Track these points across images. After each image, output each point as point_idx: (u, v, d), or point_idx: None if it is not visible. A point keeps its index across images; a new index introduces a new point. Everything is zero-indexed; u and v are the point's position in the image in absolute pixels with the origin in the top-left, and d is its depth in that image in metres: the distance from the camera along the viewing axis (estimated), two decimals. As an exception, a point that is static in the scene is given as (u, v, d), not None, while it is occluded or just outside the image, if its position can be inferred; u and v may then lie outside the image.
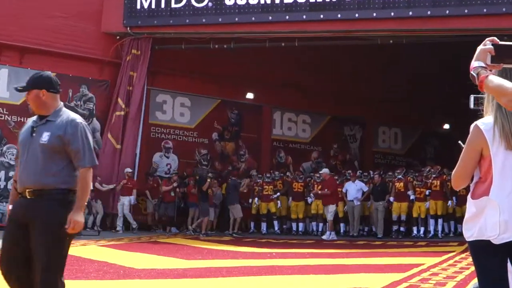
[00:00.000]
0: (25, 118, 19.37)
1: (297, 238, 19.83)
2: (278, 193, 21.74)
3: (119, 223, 19.78)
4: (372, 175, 21.48)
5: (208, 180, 20.20)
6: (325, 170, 20.72)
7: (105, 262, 12.09)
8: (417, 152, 29.92)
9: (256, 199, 21.42)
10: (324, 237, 19.74)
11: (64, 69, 20.50)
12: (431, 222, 20.03)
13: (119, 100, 20.88)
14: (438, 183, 19.80)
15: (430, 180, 19.99)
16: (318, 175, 21.20)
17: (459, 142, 4.03)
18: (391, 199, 20.29)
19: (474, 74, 3.60)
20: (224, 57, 22.26)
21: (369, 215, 21.24)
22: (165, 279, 10.23)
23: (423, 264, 12.10)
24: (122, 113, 20.85)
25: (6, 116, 19.77)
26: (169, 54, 22.10)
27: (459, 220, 19.99)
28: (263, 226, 21.41)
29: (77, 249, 14.55)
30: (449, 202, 19.77)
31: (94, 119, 21.14)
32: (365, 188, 20.80)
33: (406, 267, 11.69)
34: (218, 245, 16.15)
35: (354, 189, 20.64)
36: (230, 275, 10.75)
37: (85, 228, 18.28)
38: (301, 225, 21.70)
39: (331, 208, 19.87)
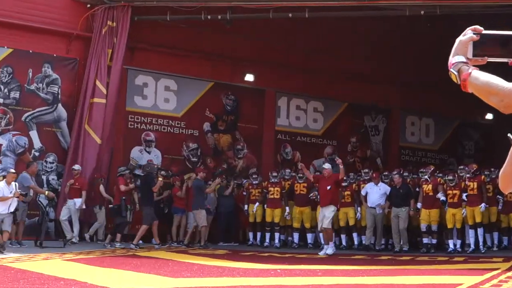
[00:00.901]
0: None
1: (307, 251, 19.81)
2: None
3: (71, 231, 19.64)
4: (391, 175, 21.06)
5: (160, 179, 19.66)
6: (327, 165, 19.80)
7: (73, 280, 12.08)
8: (453, 148, 30.00)
9: (257, 204, 21.27)
10: (321, 253, 18.78)
11: (23, 44, 20.63)
12: (470, 233, 19.52)
13: (98, 83, 20.84)
14: (475, 186, 19.26)
15: (466, 182, 19.40)
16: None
17: (509, 135, 4.03)
18: (419, 205, 19.79)
19: (454, 72, 3.46)
20: (219, 31, 22.25)
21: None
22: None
23: (460, 284, 12.11)
24: (103, 100, 20.87)
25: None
26: (151, 26, 22.12)
27: (505, 231, 19.99)
28: (267, 237, 21.42)
29: (39, 264, 14.59)
30: (482, 205, 18.94)
31: (59, 105, 21.13)
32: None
33: None
34: (210, 260, 16.12)
35: (377, 193, 20.34)
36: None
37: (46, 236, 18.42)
38: (309, 236, 21.40)
39: (329, 210, 18.74)
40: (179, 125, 23.62)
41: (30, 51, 20.76)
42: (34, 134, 20.65)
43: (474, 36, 3.39)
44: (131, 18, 21.43)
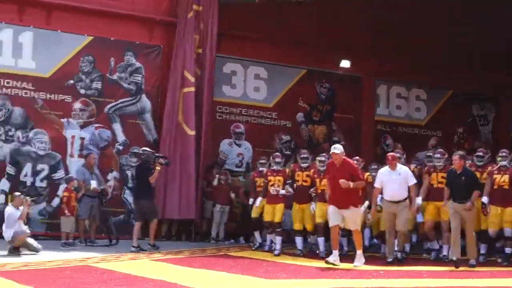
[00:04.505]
0: (56, 96, 19.89)
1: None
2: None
3: None
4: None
5: (158, 168, 18.23)
6: (337, 147, 15.57)
7: (162, 281, 12.26)
8: None
9: (260, 198, 18.41)
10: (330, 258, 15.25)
11: (104, 31, 20.98)
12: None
13: (186, 72, 21.06)
14: None
15: None
16: (321, 158, 17.89)
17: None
18: (485, 199, 16.18)
19: None
20: (311, 14, 22.22)
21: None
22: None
23: None
24: (192, 89, 21.03)
25: (32, 92, 20.24)
26: (239, 10, 22.11)
27: None
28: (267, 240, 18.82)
29: (125, 264, 14.82)
30: None
31: (143, 95, 21.42)
32: None
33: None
34: (303, 261, 16.09)
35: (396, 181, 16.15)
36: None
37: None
38: (320, 240, 17.67)
39: (357, 214, 15.62)
40: (270, 116, 23.72)
41: (111, 39, 21.08)
42: (117, 126, 20.99)
43: None
44: (218, 1, 21.49)
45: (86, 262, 15.18)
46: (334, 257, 15.13)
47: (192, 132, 20.79)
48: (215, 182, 20.86)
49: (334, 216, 15.26)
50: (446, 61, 24.94)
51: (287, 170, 18.48)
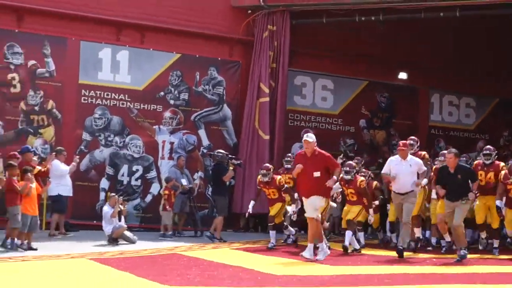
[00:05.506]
0: (149, 106, 20.04)
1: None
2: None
3: None
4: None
5: (231, 168, 18.01)
6: (310, 135, 14.27)
7: (241, 268, 12.23)
8: None
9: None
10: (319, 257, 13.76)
11: (190, 49, 21.07)
12: None
13: (262, 85, 21.01)
14: None
15: None
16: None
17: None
18: (499, 203, 15.03)
19: None
20: (371, 32, 22.09)
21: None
22: (306, 287, 10.23)
23: None
24: (267, 99, 20.98)
25: (128, 103, 20.33)
26: (307, 29, 22.06)
27: None
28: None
29: (208, 253, 14.86)
30: None
31: (225, 105, 21.42)
32: None
33: None
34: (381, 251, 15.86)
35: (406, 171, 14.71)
36: (393, 284, 10.58)
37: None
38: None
39: (318, 201, 13.89)
40: (336, 122, 23.53)
41: (197, 56, 21.12)
42: (202, 132, 21.03)
43: None
44: (290, 22, 21.42)
45: (175, 250, 15.33)
46: (309, 251, 13.68)
47: (266, 137, 20.87)
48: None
49: (307, 208, 13.91)
50: (493, 72, 24.55)
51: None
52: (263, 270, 11.85)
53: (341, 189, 16.56)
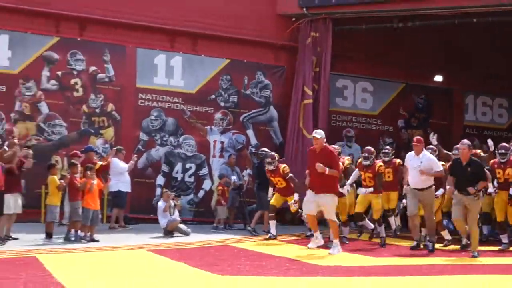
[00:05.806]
0: (201, 108, 20.29)
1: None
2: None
3: None
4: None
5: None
6: (319, 132, 14.24)
7: (287, 258, 12.42)
8: None
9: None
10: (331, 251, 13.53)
11: (239, 55, 21.28)
12: None
13: (306, 87, 21.15)
14: None
15: None
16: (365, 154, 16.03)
17: None
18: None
19: None
20: (409, 37, 22.15)
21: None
22: (350, 277, 10.38)
23: None
24: (310, 101, 21.06)
25: (182, 105, 20.65)
26: (348, 35, 22.08)
27: None
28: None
29: (257, 244, 15.04)
30: None
31: (271, 107, 21.63)
32: None
33: None
34: (404, 241, 15.96)
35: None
36: (430, 274, 10.72)
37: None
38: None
39: (331, 202, 13.67)
40: (375, 122, 23.67)
41: (245, 61, 21.39)
42: (250, 132, 21.28)
43: None
44: (332, 28, 21.51)
45: (225, 242, 15.52)
46: (316, 240, 14.00)
47: (310, 136, 20.73)
48: None
49: (309, 205, 13.63)
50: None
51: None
52: (308, 261, 12.05)
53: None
